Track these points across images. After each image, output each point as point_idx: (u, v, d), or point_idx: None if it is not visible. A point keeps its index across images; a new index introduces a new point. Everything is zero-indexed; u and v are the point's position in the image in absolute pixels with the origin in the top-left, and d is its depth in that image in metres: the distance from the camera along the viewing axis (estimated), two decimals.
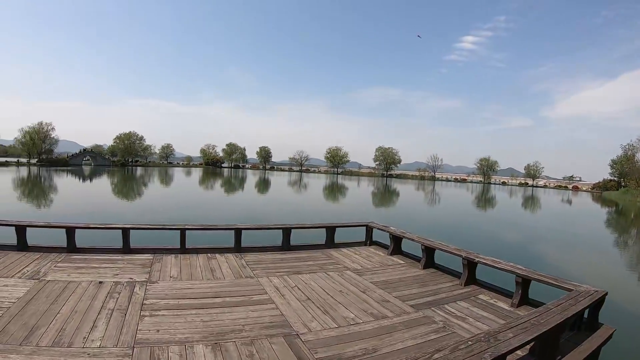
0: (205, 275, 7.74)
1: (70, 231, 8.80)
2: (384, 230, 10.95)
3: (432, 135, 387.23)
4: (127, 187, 46.39)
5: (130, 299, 6.15)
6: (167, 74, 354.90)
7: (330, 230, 11.09)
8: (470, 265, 8.06)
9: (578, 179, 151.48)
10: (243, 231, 9.92)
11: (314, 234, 11.67)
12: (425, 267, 9.22)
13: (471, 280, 8.11)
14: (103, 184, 51.34)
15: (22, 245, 8.66)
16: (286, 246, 10.28)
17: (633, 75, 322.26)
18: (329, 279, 8.00)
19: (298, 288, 7.30)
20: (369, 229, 11.64)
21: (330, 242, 11.00)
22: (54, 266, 7.61)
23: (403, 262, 9.76)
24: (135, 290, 6.56)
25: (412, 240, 9.75)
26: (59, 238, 8.81)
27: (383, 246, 11.27)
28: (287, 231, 10.33)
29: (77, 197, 34.30)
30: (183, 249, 9.29)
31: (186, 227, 9.46)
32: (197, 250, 9.44)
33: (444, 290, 7.72)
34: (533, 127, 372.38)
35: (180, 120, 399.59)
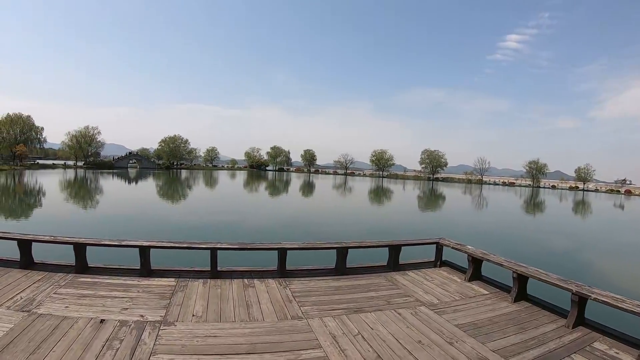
0: (239, 314, 5.90)
1: (79, 248, 7.30)
2: (460, 250, 8.82)
3: (477, 137, 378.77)
4: (169, 189, 45.96)
5: (133, 353, 4.43)
6: (213, 79, 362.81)
7: (395, 250, 8.97)
8: (581, 301, 6.04)
9: (629, 182, 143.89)
10: (289, 251, 8.06)
11: (371, 251, 9.62)
12: (515, 299, 7.16)
13: (579, 320, 6.10)
14: (144, 186, 51.22)
15: (26, 262, 7.35)
16: (341, 269, 8.34)
17: None
18: (401, 321, 5.99)
19: (362, 337, 5.32)
20: (440, 247, 9.49)
21: (394, 264, 8.93)
22: (54, 292, 6.19)
23: (487, 292, 7.65)
24: (143, 338, 4.84)
25: (499, 264, 7.58)
26: (71, 253, 7.34)
27: (457, 268, 9.19)
28: (342, 251, 8.34)
29: (117, 198, 33.88)
30: (214, 272, 7.53)
31: (218, 246, 7.62)
32: (231, 274, 7.67)
33: (550, 336, 5.69)
34: (580, 128, 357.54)
35: (226, 124, 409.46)
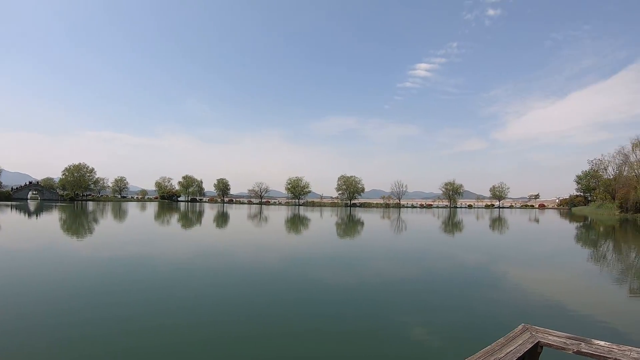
0: None
1: None
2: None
3: (389, 162, 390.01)
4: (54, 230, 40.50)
5: None
6: (120, 105, 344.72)
7: None
8: None
9: (535, 196, 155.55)
10: None
11: None
12: None
13: None
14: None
15: None
16: None
17: (582, 93, 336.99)
18: None
19: None
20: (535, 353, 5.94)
21: None
22: None
23: None
24: None
25: None
26: None
27: None
28: None
29: None
30: None
31: None
32: None
33: None
34: (488, 149, 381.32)
35: (135, 152, 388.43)
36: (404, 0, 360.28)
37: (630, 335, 9.56)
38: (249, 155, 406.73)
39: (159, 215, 65.15)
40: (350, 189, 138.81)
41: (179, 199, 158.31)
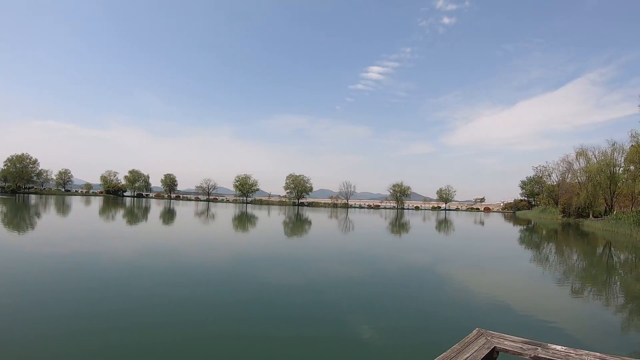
0: None
1: None
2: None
3: (338, 162, 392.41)
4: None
5: None
6: (68, 95, 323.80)
7: None
8: None
9: (481, 200, 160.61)
10: None
11: None
12: None
13: None
14: None
15: None
16: None
17: (529, 103, 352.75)
18: None
19: None
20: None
21: None
22: None
23: None
24: None
25: None
26: None
27: None
28: None
29: None
30: None
31: None
32: None
33: None
34: (435, 153, 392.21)
35: (82, 144, 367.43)
36: (361, 4, 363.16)
37: (577, 334, 9.61)
38: (198, 151, 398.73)
39: (104, 210, 62.16)
40: (298, 188, 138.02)
41: (124, 194, 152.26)
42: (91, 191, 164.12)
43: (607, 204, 67.69)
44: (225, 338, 8.67)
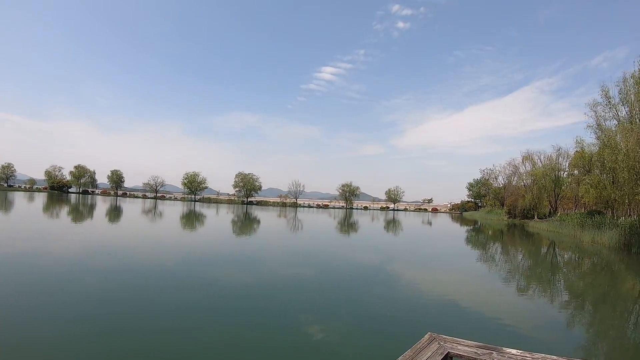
0: None
1: None
2: None
3: (289, 161, 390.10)
4: None
5: None
6: (11, 85, 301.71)
7: None
8: None
9: (429, 201, 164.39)
10: None
11: None
12: None
13: None
14: None
15: None
16: None
17: (477, 108, 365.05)
18: None
19: None
20: None
21: None
22: None
23: None
24: None
25: None
26: None
27: None
28: None
29: None
30: None
31: None
32: None
33: None
34: (385, 154, 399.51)
35: (26, 137, 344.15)
36: (317, 4, 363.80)
37: (527, 333, 9.47)
38: (147, 147, 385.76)
39: (47, 207, 58.53)
40: (247, 187, 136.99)
41: (69, 190, 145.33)
42: (35, 187, 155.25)
43: (551, 206, 70.35)
44: (166, 341, 8.05)
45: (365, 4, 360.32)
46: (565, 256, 30.28)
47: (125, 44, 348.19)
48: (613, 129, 32.37)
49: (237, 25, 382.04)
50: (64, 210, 54.60)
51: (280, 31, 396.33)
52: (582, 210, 57.61)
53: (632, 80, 29.89)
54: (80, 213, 51.37)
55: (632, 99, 30.11)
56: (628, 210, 40.20)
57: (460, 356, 4.92)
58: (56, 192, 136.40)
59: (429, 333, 5.52)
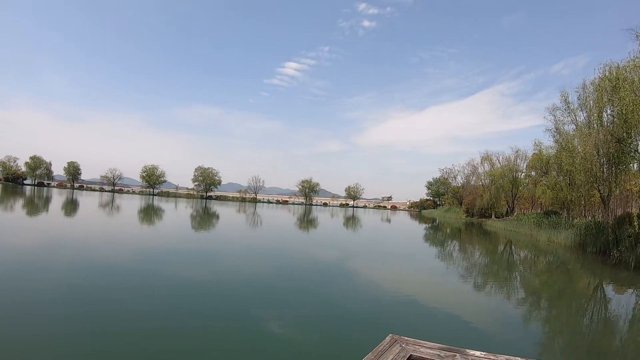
0: None
1: None
2: None
3: (249, 156, 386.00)
4: None
5: None
6: None
7: None
8: None
9: (388, 198, 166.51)
10: None
11: None
12: None
13: None
14: None
15: None
16: None
17: (439, 109, 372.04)
18: None
19: None
20: None
21: None
22: None
23: None
24: None
25: None
26: None
27: None
28: None
29: None
30: None
31: None
32: None
33: None
34: (346, 152, 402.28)
35: None
36: None
37: (487, 330, 9.47)
38: (105, 138, 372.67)
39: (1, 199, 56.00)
40: (206, 181, 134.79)
41: (24, 182, 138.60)
42: None
43: (508, 206, 72.03)
44: (125, 335, 7.68)
45: (331, 1, 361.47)
46: (522, 254, 31.07)
47: (88, 30, 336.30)
48: (571, 133, 33.19)
49: (202, 15, 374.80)
50: (18, 202, 52.12)
51: (244, 24, 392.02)
52: (539, 211, 59.10)
53: (591, 87, 30.54)
54: (35, 206, 49.04)
55: (591, 105, 30.86)
56: (583, 211, 41.72)
57: (423, 359, 4.71)
58: (11, 183, 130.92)
59: (391, 335, 5.29)
